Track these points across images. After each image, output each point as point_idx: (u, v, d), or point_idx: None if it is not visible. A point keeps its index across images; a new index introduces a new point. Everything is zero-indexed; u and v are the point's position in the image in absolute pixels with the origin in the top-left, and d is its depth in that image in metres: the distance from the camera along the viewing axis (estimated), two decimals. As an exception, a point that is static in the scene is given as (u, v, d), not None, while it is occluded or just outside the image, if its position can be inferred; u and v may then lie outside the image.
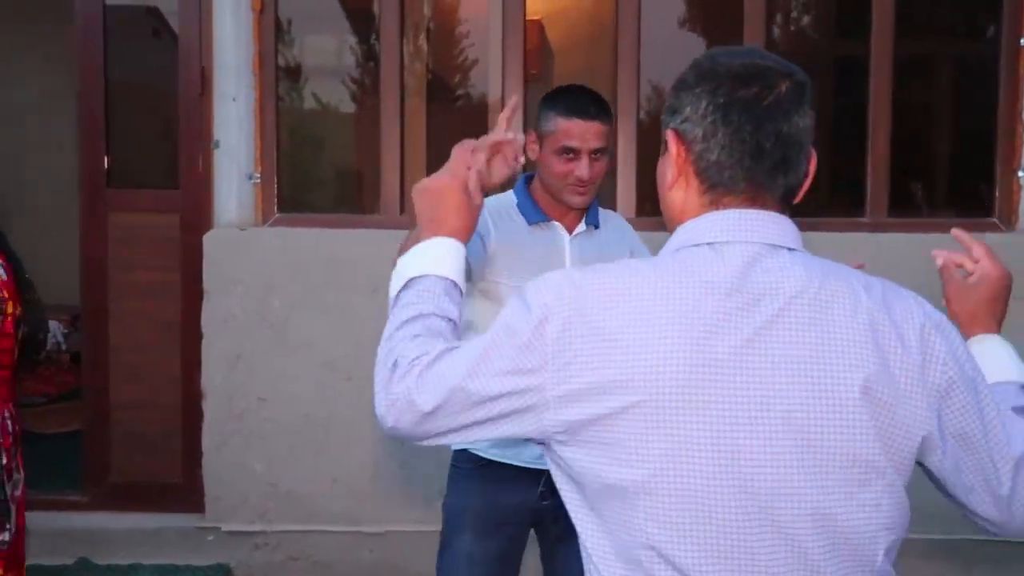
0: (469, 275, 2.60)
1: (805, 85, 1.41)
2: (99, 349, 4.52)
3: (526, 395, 1.35)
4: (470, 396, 1.37)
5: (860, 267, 2.44)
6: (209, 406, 4.31)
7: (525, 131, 2.75)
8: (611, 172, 4.49)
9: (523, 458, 2.66)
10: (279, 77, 4.56)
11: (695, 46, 5.32)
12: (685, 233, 1.42)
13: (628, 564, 1.33)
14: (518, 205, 2.73)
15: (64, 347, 6.38)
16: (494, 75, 4.73)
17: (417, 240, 1.64)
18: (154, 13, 5.03)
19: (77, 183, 4.60)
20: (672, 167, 1.44)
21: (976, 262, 1.73)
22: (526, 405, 1.35)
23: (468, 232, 1.65)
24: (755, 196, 1.40)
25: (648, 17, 4.47)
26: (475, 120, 5.15)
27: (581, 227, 2.75)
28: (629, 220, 3.03)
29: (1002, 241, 4.33)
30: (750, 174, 1.39)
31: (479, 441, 1.44)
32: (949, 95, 5.30)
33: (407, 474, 4.27)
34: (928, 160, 5.17)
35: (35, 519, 3.75)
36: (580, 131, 2.61)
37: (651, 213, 4.26)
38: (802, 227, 1.42)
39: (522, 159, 2.21)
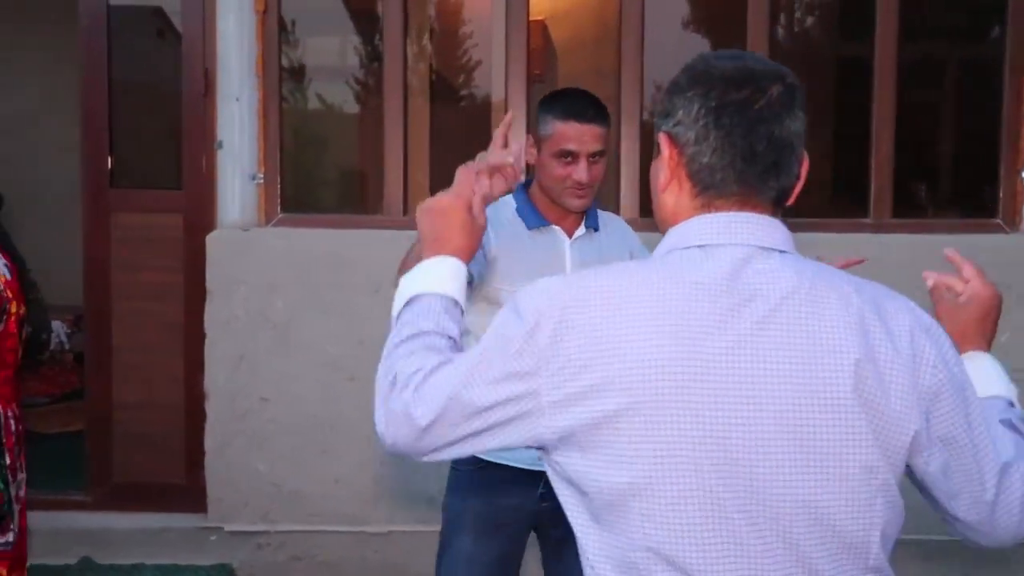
0: (470, 282, 2.60)
1: (796, 88, 1.42)
2: (102, 349, 4.52)
3: (521, 401, 1.36)
4: (466, 406, 1.38)
5: (860, 263, 2.46)
6: (212, 406, 4.31)
7: (528, 132, 2.76)
8: (614, 173, 4.49)
9: (522, 460, 2.66)
10: (282, 78, 4.56)
11: (699, 47, 5.32)
12: (676, 236, 1.43)
13: (626, 567, 1.34)
14: (517, 210, 2.72)
15: (67, 347, 6.37)
16: (497, 75, 4.73)
17: (419, 258, 1.65)
18: (158, 14, 5.04)
19: (80, 183, 4.60)
20: (664, 170, 1.45)
21: (966, 282, 1.75)
22: (522, 412, 1.36)
23: (471, 252, 1.66)
24: (747, 199, 1.41)
25: (652, 18, 4.47)
26: (479, 120, 5.15)
27: (581, 230, 2.74)
28: (632, 221, 3.02)
29: (1005, 242, 4.33)
30: (742, 177, 1.40)
31: (478, 453, 1.44)
32: (953, 96, 5.30)
33: (410, 474, 4.27)
34: (932, 161, 5.16)
35: (38, 519, 3.75)
36: (578, 134, 2.61)
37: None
38: (805, 228, 1.43)
39: (522, 177, 2.23)
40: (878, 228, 4.36)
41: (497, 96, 4.83)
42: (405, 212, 4.46)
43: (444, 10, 5.37)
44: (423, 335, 1.51)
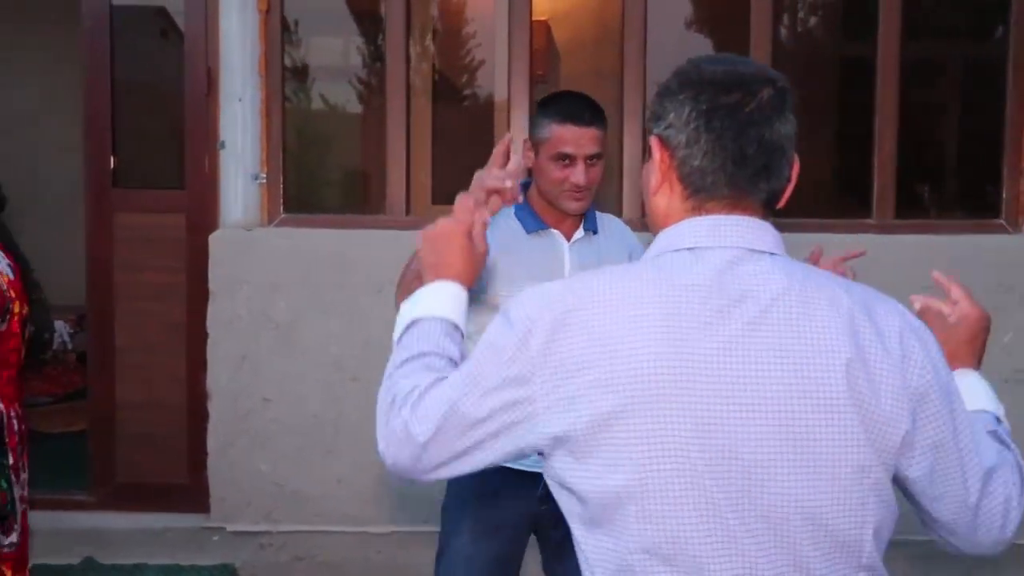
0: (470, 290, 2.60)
1: (787, 91, 1.44)
2: (105, 349, 4.52)
3: (516, 409, 1.37)
4: (463, 418, 1.40)
5: (861, 255, 2.48)
6: (215, 406, 4.31)
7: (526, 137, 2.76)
8: (617, 173, 4.48)
9: (522, 462, 2.65)
10: (285, 77, 4.56)
11: (701, 48, 5.31)
12: (666, 238, 1.44)
13: (624, 569, 1.35)
14: (515, 214, 2.72)
15: (70, 347, 6.35)
16: (500, 75, 4.73)
17: (417, 275, 1.68)
18: (161, 13, 5.03)
19: (83, 183, 4.60)
20: (656, 173, 1.46)
21: (954, 303, 1.77)
22: (517, 419, 1.37)
23: (471, 277, 1.68)
24: (737, 202, 1.42)
25: (654, 18, 4.47)
26: (481, 120, 5.15)
27: (579, 233, 2.74)
28: (634, 221, 3.02)
29: (1009, 243, 4.32)
30: (732, 180, 1.41)
31: (479, 468, 1.45)
32: (956, 96, 5.29)
33: (412, 475, 4.26)
34: (935, 161, 5.16)
35: (40, 519, 3.75)
36: (575, 137, 2.61)
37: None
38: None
39: (520, 198, 2.25)
40: (881, 229, 4.36)
41: (500, 96, 4.83)
42: (408, 212, 4.46)
43: (447, 10, 5.36)
44: (422, 356, 1.53)
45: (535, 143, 2.68)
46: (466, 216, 1.71)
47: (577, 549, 1.42)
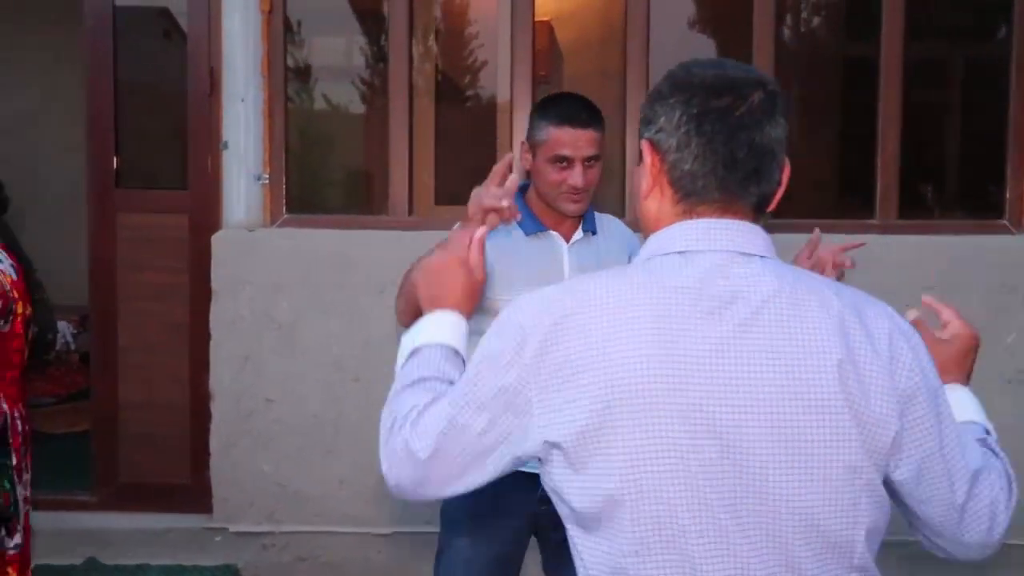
0: None
1: (778, 95, 1.44)
2: (108, 350, 4.52)
3: (514, 416, 1.38)
4: (464, 430, 1.41)
5: (861, 246, 2.49)
6: (217, 407, 4.31)
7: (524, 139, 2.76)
8: (620, 174, 4.48)
9: None
10: (288, 78, 4.56)
11: (704, 48, 5.31)
12: (657, 242, 1.45)
13: (618, 571, 1.36)
14: None
15: (73, 347, 6.38)
16: (503, 76, 4.73)
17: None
18: (164, 14, 5.04)
19: (86, 184, 4.60)
20: (647, 176, 1.47)
21: (946, 324, 1.76)
22: (515, 426, 1.38)
23: (470, 305, 1.69)
24: (728, 205, 1.43)
25: (657, 18, 4.47)
26: (484, 121, 5.14)
27: (578, 234, 2.74)
28: (636, 222, 3.01)
29: (1012, 243, 4.32)
30: (723, 184, 1.42)
31: (480, 484, 1.47)
32: (959, 97, 5.28)
33: (415, 475, 4.26)
34: (938, 162, 5.15)
35: (43, 519, 3.76)
36: (572, 139, 2.61)
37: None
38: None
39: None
40: (884, 229, 4.36)
41: (502, 97, 4.83)
42: (410, 212, 4.46)
43: (450, 11, 5.36)
44: (423, 381, 1.54)
45: (533, 145, 2.68)
46: (460, 248, 1.72)
47: (573, 551, 1.43)
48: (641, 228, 1.53)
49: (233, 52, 4.36)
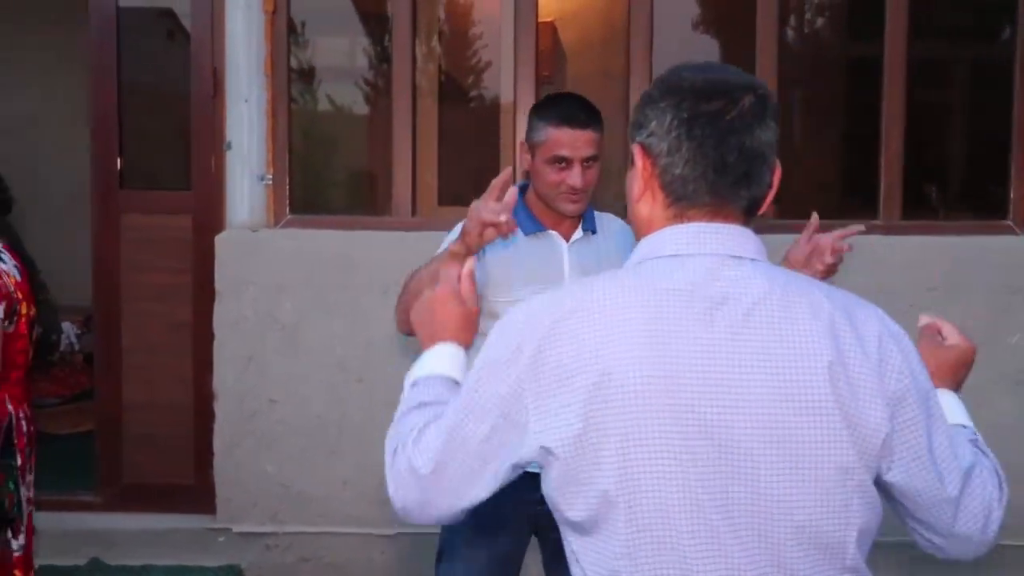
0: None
1: (768, 99, 1.44)
2: (111, 350, 4.53)
3: (512, 424, 1.39)
4: (464, 442, 1.42)
5: (860, 232, 2.50)
6: (220, 407, 4.31)
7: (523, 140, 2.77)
8: (622, 173, 4.48)
9: None
10: (291, 78, 4.56)
11: (708, 48, 5.31)
12: (648, 245, 1.46)
13: (612, 573, 1.37)
14: (513, 216, 2.72)
15: (77, 348, 6.40)
16: (506, 77, 4.73)
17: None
18: (168, 15, 5.04)
19: (90, 185, 4.61)
20: (638, 180, 1.48)
21: (946, 338, 1.78)
22: (513, 433, 1.40)
23: (468, 336, 1.70)
24: (719, 209, 1.44)
25: (661, 19, 4.46)
26: (487, 121, 5.15)
27: (578, 234, 2.74)
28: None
29: (1016, 244, 4.31)
30: (714, 188, 1.42)
31: (484, 498, 1.49)
32: (963, 97, 5.28)
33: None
34: (942, 162, 5.15)
35: (47, 519, 3.76)
36: (571, 140, 2.61)
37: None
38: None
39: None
40: (888, 229, 4.35)
41: (506, 97, 4.84)
42: (414, 213, 4.46)
43: (453, 11, 5.37)
44: (423, 405, 1.56)
45: (531, 146, 2.68)
46: (452, 280, 1.74)
47: (569, 555, 1.44)
48: (633, 230, 1.53)
49: (236, 53, 4.36)
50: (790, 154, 4.77)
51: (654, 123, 1.44)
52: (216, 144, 4.42)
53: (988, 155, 4.81)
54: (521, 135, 2.79)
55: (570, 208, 2.66)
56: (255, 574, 4.34)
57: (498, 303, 2.60)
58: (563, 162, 2.61)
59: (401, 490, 1.49)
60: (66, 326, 6.20)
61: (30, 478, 3.03)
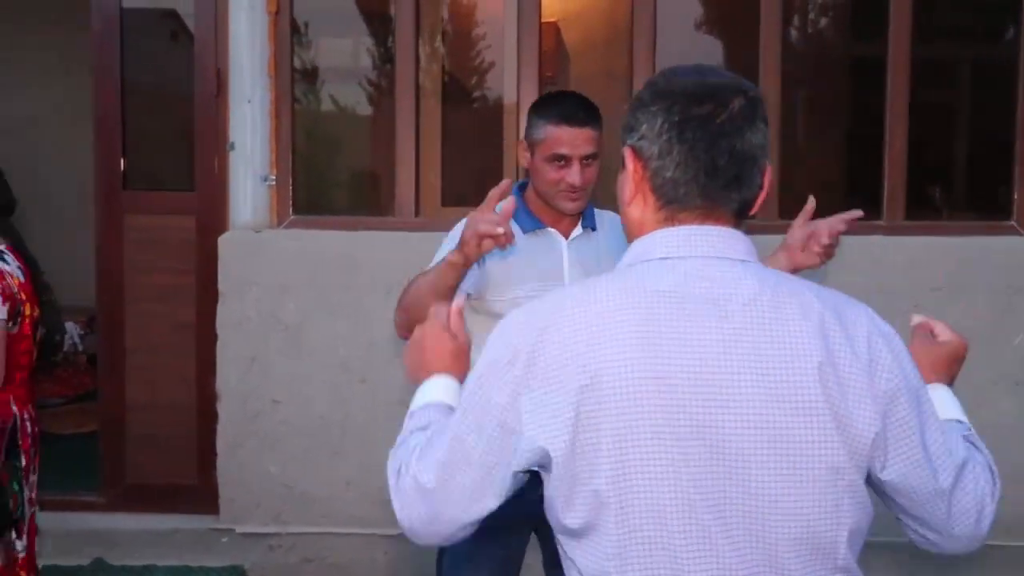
0: (467, 296, 2.63)
1: (758, 101, 1.46)
2: (115, 351, 4.53)
3: (509, 430, 1.40)
4: (467, 453, 1.43)
5: (859, 217, 2.51)
6: (224, 408, 4.32)
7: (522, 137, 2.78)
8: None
9: None
10: (294, 79, 4.56)
11: (711, 48, 5.31)
12: (639, 248, 1.47)
13: (603, 574, 1.37)
14: (513, 215, 2.72)
15: (81, 348, 6.41)
16: (510, 77, 4.73)
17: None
18: (171, 16, 5.05)
19: (93, 186, 4.61)
20: (629, 183, 1.49)
21: (938, 336, 1.79)
22: (512, 441, 1.40)
23: (459, 367, 1.69)
24: (710, 211, 1.45)
25: (664, 19, 4.46)
26: (491, 122, 5.15)
27: (578, 231, 2.75)
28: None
29: (1020, 245, 4.30)
30: (705, 190, 1.44)
31: (489, 510, 1.50)
32: (967, 97, 5.27)
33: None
34: (946, 163, 5.14)
35: (50, 519, 3.77)
36: (570, 138, 2.61)
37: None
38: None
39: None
40: (891, 230, 4.34)
41: (509, 98, 4.83)
42: (417, 214, 4.46)
43: (456, 12, 5.37)
44: (421, 430, 1.57)
45: (531, 144, 2.69)
46: (442, 317, 1.74)
47: (563, 559, 1.46)
48: (625, 233, 1.54)
49: (240, 53, 4.36)
50: (793, 154, 4.76)
51: (645, 126, 1.45)
52: (219, 145, 4.42)
53: (992, 155, 4.80)
54: (523, 135, 2.79)
55: (569, 206, 2.66)
56: (258, 574, 4.35)
57: (498, 301, 2.61)
58: (562, 160, 2.62)
59: (407, 508, 1.49)
60: (69, 326, 6.22)
61: (33, 479, 3.04)
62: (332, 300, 4.25)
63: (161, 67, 5.03)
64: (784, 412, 1.34)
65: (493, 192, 2.26)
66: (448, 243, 2.61)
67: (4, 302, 2.86)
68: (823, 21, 5.59)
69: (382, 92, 5.16)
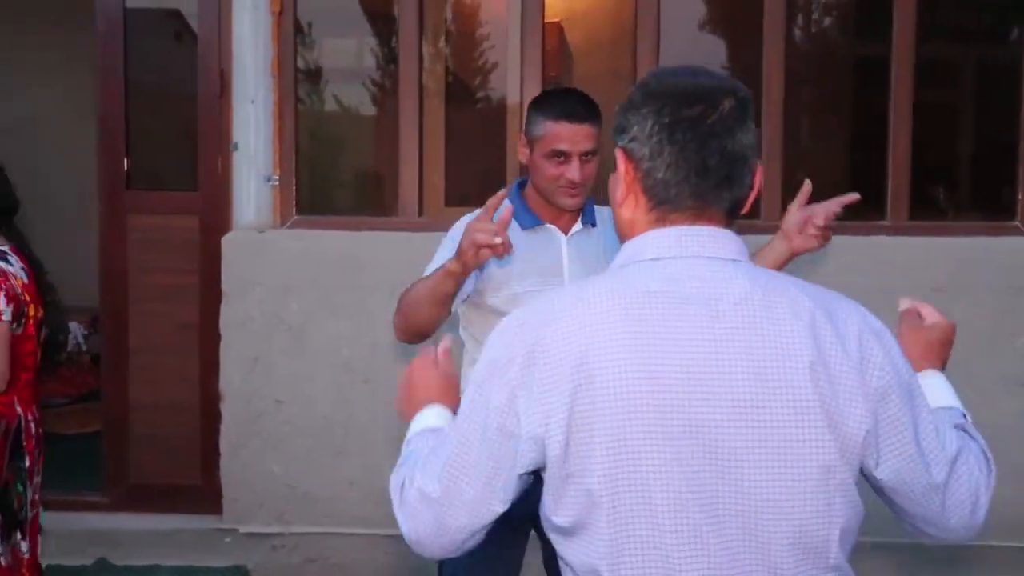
0: (465, 298, 2.64)
1: (748, 102, 1.47)
2: (118, 351, 4.54)
3: (508, 433, 1.41)
4: (469, 464, 1.44)
5: (857, 200, 2.51)
6: (227, 408, 4.32)
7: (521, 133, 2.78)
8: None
9: None
10: (298, 79, 4.56)
11: (714, 48, 5.31)
12: (631, 249, 1.49)
13: (594, 572, 1.38)
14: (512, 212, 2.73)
15: (84, 348, 6.41)
16: (513, 77, 4.73)
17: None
18: (175, 16, 5.05)
19: (97, 186, 4.62)
20: (621, 184, 1.51)
21: (925, 319, 1.80)
22: (512, 443, 1.41)
23: (450, 397, 1.70)
24: (701, 212, 1.46)
25: (667, 19, 4.46)
26: (494, 122, 5.15)
27: (577, 226, 2.75)
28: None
29: (1023, 245, 4.29)
30: (696, 191, 1.45)
31: (494, 517, 1.51)
32: (971, 97, 5.27)
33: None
34: (950, 163, 5.13)
35: (54, 519, 3.77)
36: (569, 134, 2.62)
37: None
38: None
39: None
40: (894, 230, 4.34)
41: (512, 98, 4.83)
42: (420, 214, 4.46)
43: (460, 12, 5.37)
44: (419, 451, 1.58)
45: (530, 140, 2.69)
46: (430, 356, 1.75)
47: (560, 561, 1.46)
48: (617, 234, 1.56)
49: (243, 53, 4.37)
50: (797, 154, 4.76)
51: (635, 128, 1.47)
52: (223, 145, 4.42)
53: (996, 156, 4.79)
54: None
55: (568, 202, 2.67)
56: (261, 574, 4.35)
57: (497, 298, 2.61)
58: (561, 156, 2.63)
59: (412, 520, 1.50)
60: (73, 326, 6.21)
61: (37, 479, 3.04)
62: (335, 300, 4.25)
63: (165, 67, 5.03)
64: (776, 411, 1.35)
65: (491, 201, 2.28)
66: (447, 243, 2.61)
67: (8, 303, 2.87)
68: (827, 21, 5.58)
69: (385, 92, 5.16)
